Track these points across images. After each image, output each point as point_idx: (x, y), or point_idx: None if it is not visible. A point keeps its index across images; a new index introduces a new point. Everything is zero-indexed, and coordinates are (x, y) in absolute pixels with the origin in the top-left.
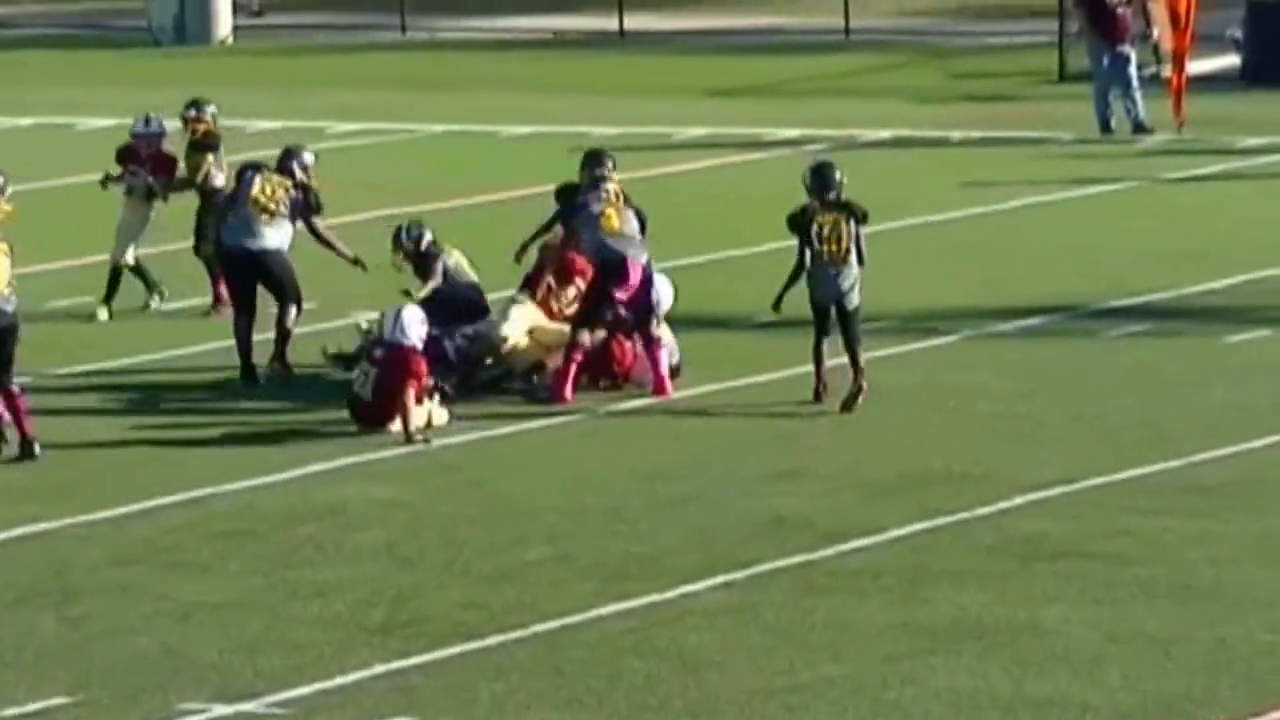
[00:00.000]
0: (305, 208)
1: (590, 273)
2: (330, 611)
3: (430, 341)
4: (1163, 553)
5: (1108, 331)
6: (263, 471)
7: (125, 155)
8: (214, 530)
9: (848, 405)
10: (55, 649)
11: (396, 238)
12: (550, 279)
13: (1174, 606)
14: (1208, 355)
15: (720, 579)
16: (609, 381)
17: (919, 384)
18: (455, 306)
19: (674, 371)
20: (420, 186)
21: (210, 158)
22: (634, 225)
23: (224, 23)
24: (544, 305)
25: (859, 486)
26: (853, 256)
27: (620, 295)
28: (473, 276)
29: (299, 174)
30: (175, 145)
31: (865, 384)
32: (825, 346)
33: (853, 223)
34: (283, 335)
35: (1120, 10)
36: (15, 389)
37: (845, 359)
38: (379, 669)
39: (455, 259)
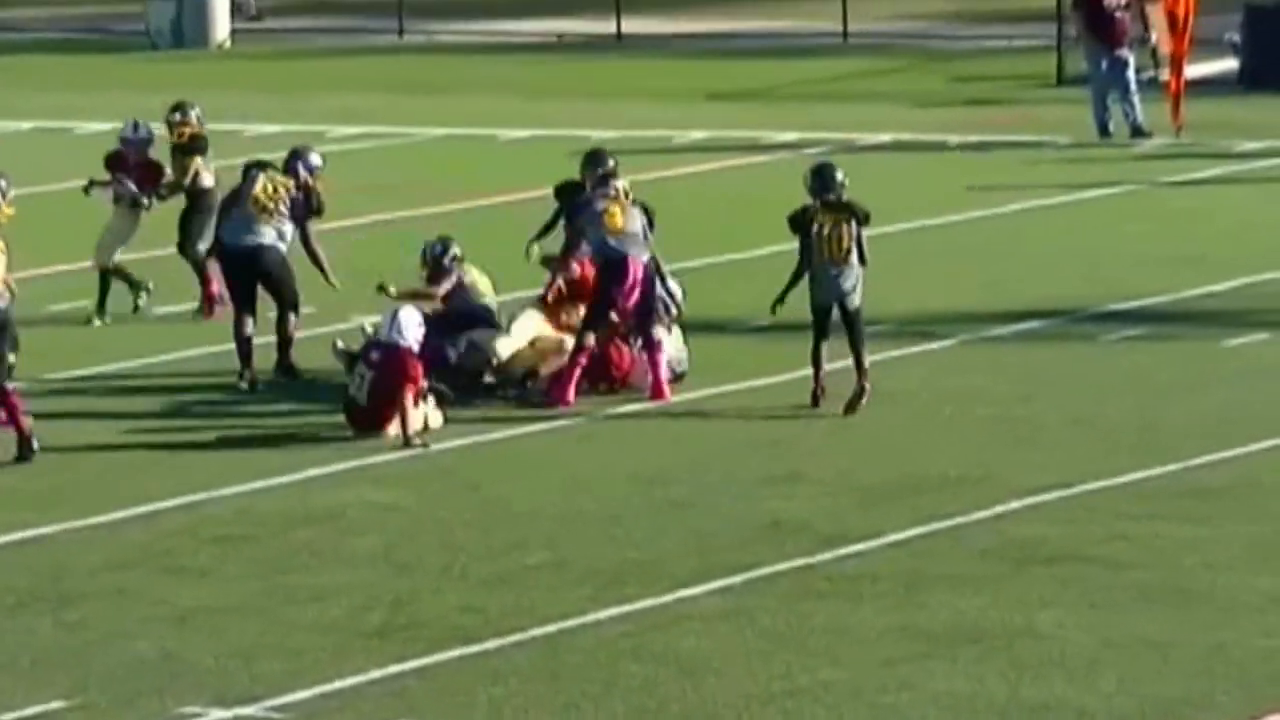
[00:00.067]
0: (305, 210)
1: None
2: (328, 616)
3: (433, 348)
4: (1160, 557)
5: (1106, 335)
6: (260, 476)
7: (113, 162)
8: (211, 535)
9: (851, 407)
10: (53, 653)
11: (423, 252)
12: (561, 284)
13: (1170, 611)
14: (1205, 359)
15: (717, 583)
16: (606, 386)
17: (916, 388)
18: (463, 322)
19: (679, 377)
20: (419, 190)
21: (198, 159)
22: (637, 224)
23: (222, 27)
24: (554, 312)
25: (856, 491)
26: (854, 257)
27: (622, 296)
28: (489, 299)
29: (303, 175)
30: (160, 151)
31: (868, 385)
32: (824, 350)
33: (854, 223)
34: (284, 342)
35: (1118, 14)
36: (9, 387)
37: (844, 363)
38: (376, 673)
39: (473, 278)
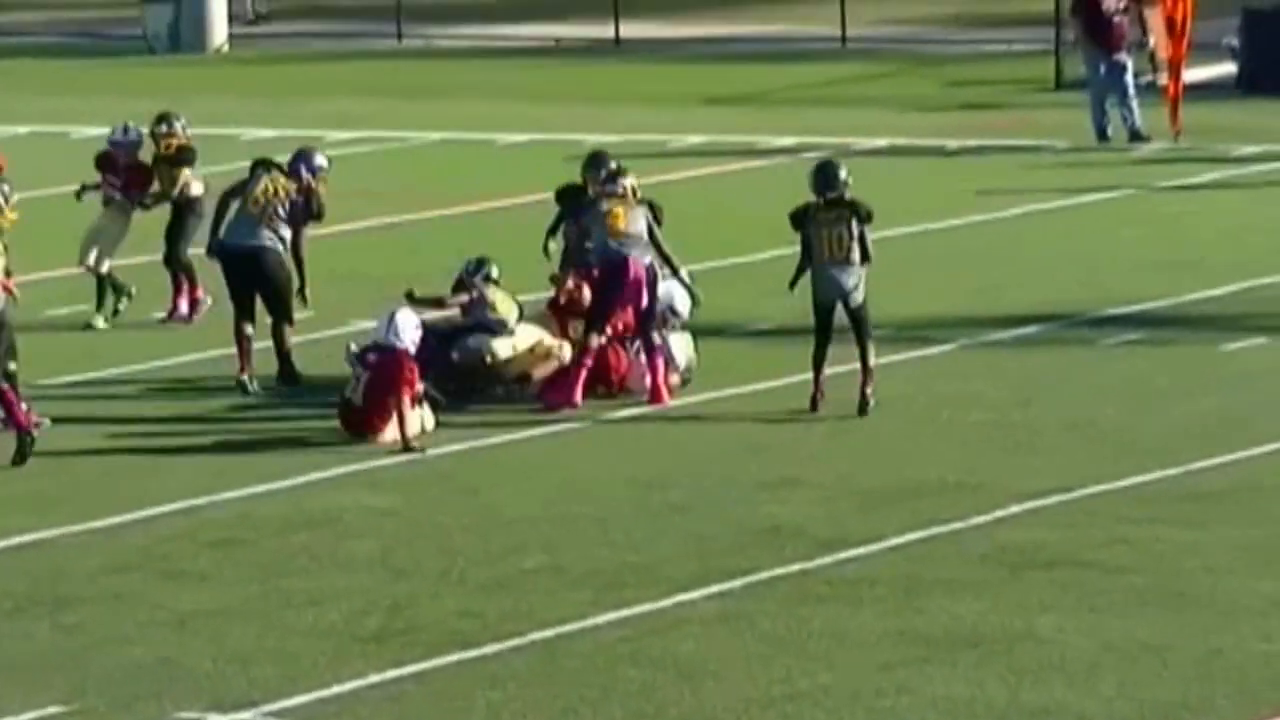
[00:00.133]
0: (305, 214)
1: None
2: (325, 620)
3: (433, 349)
4: (1158, 561)
5: (1104, 340)
6: (258, 480)
7: (103, 163)
8: (209, 539)
9: (862, 409)
10: (50, 657)
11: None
12: (571, 284)
13: (1170, 615)
14: (1204, 364)
15: (716, 588)
16: (603, 389)
17: (914, 393)
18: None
19: (683, 381)
20: (417, 194)
21: (186, 171)
22: (640, 225)
23: (219, 31)
24: (561, 321)
25: (854, 495)
26: (855, 255)
27: (622, 298)
28: (506, 318)
29: (305, 177)
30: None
31: (871, 392)
32: (826, 354)
33: (855, 221)
34: (283, 355)
35: (1116, 18)
36: (4, 386)
37: (843, 367)
38: (374, 678)
39: (495, 297)
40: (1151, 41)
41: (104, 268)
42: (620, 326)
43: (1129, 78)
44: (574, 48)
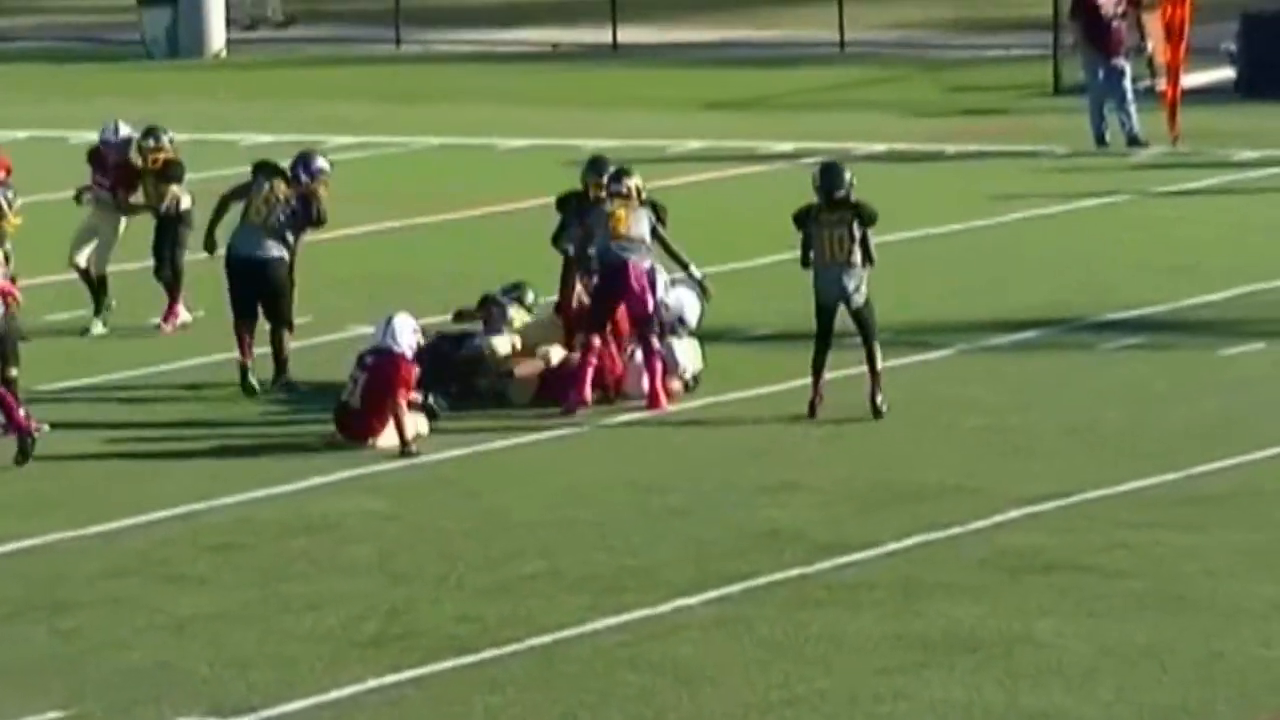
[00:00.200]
0: (304, 218)
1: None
2: (324, 625)
3: (439, 356)
4: (1157, 565)
5: (1103, 344)
6: (257, 485)
7: (94, 161)
8: (208, 543)
9: (876, 414)
10: (48, 662)
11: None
12: (581, 288)
13: (1169, 619)
14: (1202, 368)
15: (715, 592)
16: (600, 392)
17: (913, 397)
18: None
19: (686, 386)
20: (416, 199)
21: (174, 188)
22: (643, 228)
23: (217, 36)
24: (570, 315)
25: (853, 499)
26: (856, 257)
27: (620, 300)
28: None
29: (305, 180)
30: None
31: (882, 397)
32: (826, 358)
33: (857, 224)
34: (280, 362)
35: (1115, 23)
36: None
37: (842, 372)
38: (372, 683)
39: (518, 321)
40: (1150, 46)
41: (101, 271)
42: (618, 330)
43: (1127, 82)
44: (572, 53)
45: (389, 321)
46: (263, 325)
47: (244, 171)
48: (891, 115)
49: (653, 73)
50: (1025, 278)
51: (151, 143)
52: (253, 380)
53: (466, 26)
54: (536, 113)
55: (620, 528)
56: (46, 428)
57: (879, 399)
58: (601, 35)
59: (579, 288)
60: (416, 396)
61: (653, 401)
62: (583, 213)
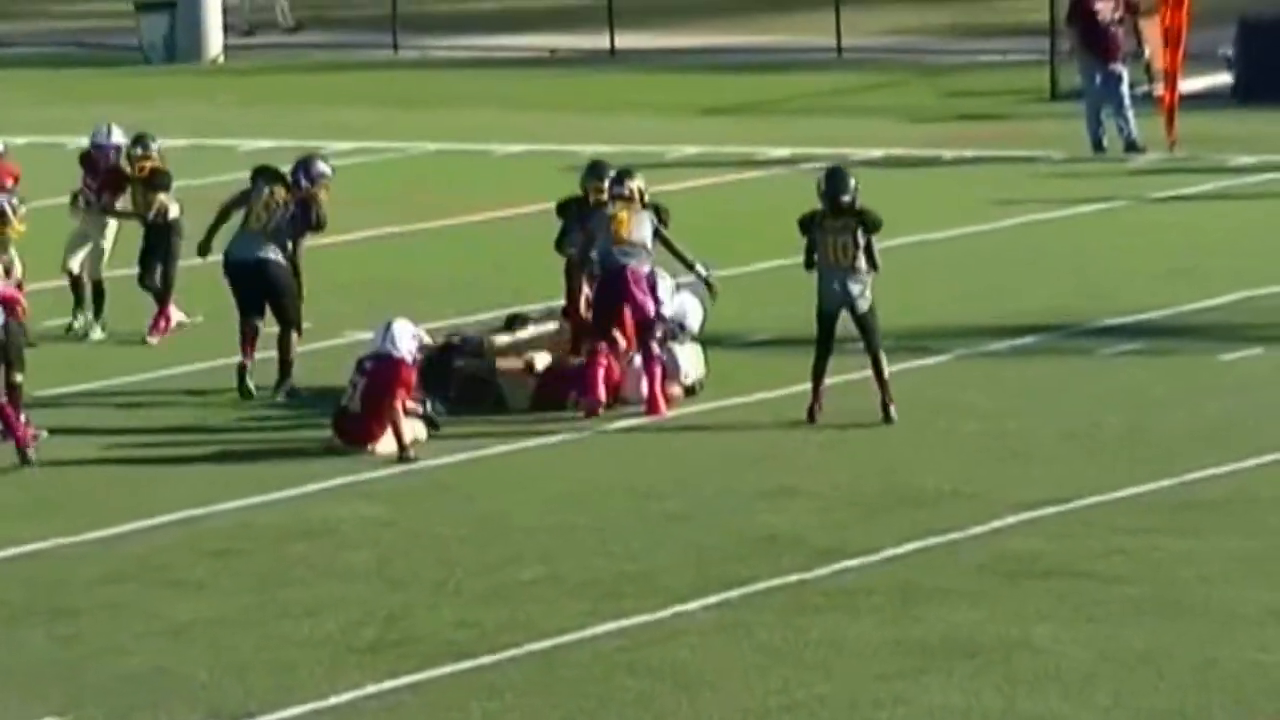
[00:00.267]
0: (303, 222)
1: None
2: (322, 631)
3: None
4: (1155, 571)
5: (1101, 350)
6: (256, 490)
7: (86, 164)
8: (206, 549)
9: (889, 419)
10: (47, 667)
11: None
12: (588, 291)
13: (1166, 625)
14: (1200, 373)
15: (713, 597)
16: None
17: (911, 403)
18: None
19: (689, 392)
20: (413, 205)
21: (162, 196)
22: (644, 232)
23: (215, 41)
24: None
25: (852, 505)
26: (860, 263)
27: (620, 304)
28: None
29: (305, 185)
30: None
31: (892, 401)
32: (826, 365)
33: (861, 231)
34: (285, 364)
35: (1112, 28)
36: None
37: (842, 378)
38: (371, 689)
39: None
40: (1147, 52)
41: (97, 277)
42: (625, 336)
43: (1125, 88)
44: (570, 58)
45: (388, 327)
46: (271, 328)
47: (242, 177)
48: (889, 121)
49: (650, 78)
50: (1023, 283)
51: (139, 151)
52: (250, 383)
53: (464, 32)
54: (534, 118)
55: (619, 533)
56: (45, 433)
57: (891, 409)
58: (599, 41)
59: (585, 290)
60: (417, 406)
61: (651, 407)
62: (583, 217)
